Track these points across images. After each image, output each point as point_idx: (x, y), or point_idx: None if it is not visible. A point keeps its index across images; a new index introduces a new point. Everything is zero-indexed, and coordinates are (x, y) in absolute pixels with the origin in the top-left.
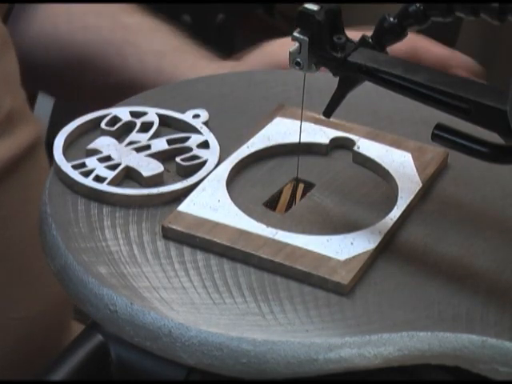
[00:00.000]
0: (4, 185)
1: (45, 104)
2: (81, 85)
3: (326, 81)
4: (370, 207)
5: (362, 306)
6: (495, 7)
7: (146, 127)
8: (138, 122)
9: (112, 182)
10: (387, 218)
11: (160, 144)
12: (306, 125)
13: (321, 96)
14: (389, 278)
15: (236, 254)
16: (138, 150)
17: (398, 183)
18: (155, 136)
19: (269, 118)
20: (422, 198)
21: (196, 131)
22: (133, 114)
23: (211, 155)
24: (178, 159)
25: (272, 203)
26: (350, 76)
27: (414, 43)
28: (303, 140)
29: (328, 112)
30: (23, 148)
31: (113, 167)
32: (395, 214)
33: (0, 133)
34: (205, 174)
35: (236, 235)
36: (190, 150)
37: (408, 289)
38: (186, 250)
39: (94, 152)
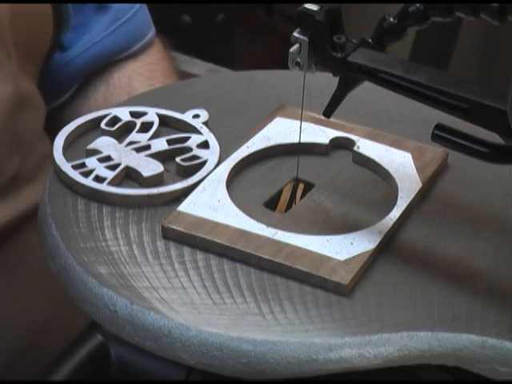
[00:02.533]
0: (2, 248)
1: None
2: None
3: (325, 81)
4: (369, 207)
5: (362, 306)
6: (495, 7)
7: (145, 127)
8: (138, 122)
9: (112, 182)
10: (387, 218)
11: (160, 144)
12: (306, 125)
13: (321, 96)
14: (389, 278)
15: (236, 254)
16: (138, 150)
17: (398, 183)
18: (155, 136)
19: (269, 118)
20: (421, 198)
21: (196, 131)
22: (133, 114)
23: (211, 155)
24: (178, 159)
25: (272, 203)
26: (349, 76)
27: None
28: (303, 140)
29: (328, 112)
30: (27, 211)
31: (113, 167)
32: (395, 214)
33: (0, 196)
34: (205, 174)
35: (236, 235)
36: (190, 150)
37: (408, 289)
38: (186, 250)
39: (94, 152)
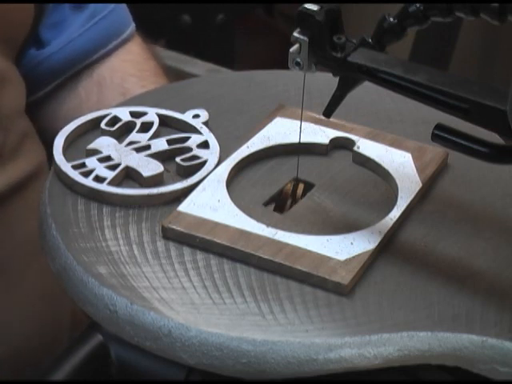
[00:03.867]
0: None
1: None
2: None
3: (325, 81)
4: (369, 207)
5: (362, 306)
6: (495, 7)
7: (145, 127)
8: (138, 122)
9: (112, 182)
10: (387, 218)
11: (160, 144)
12: (306, 125)
13: (321, 96)
14: (389, 278)
15: (236, 254)
16: (138, 150)
17: (398, 183)
18: (155, 136)
19: (269, 118)
20: (421, 198)
21: (196, 131)
22: (133, 114)
23: (211, 155)
24: (178, 159)
25: (272, 203)
26: (349, 76)
27: None
28: (303, 140)
29: (328, 112)
30: (12, 184)
31: (113, 167)
32: (395, 214)
33: None
34: (205, 174)
35: (236, 235)
36: (190, 150)
37: (408, 289)
38: (186, 250)
39: (94, 152)
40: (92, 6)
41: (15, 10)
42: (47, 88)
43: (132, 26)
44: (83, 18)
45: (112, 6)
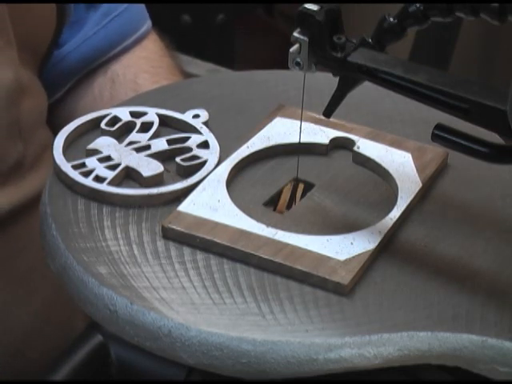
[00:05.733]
0: (8, 232)
1: None
2: None
3: (325, 81)
4: (369, 207)
5: (362, 306)
6: (495, 7)
7: (145, 127)
8: (138, 122)
9: (112, 182)
10: (387, 218)
11: (160, 144)
12: (306, 125)
13: (321, 96)
14: (389, 278)
15: (236, 254)
16: (138, 150)
17: (398, 183)
18: (155, 136)
19: (269, 118)
20: (421, 198)
21: (196, 131)
22: (133, 114)
23: (211, 155)
24: (178, 159)
25: (272, 203)
26: (349, 76)
27: None
28: (303, 140)
29: (328, 112)
30: (32, 195)
31: (113, 167)
32: (395, 214)
33: (5, 180)
34: (205, 174)
35: (236, 235)
36: (190, 150)
37: (408, 289)
38: (186, 250)
39: (94, 152)
40: (106, 4)
41: (38, 18)
42: (64, 88)
43: (148, 24)
44: (98, 16)
45: (126, 4)
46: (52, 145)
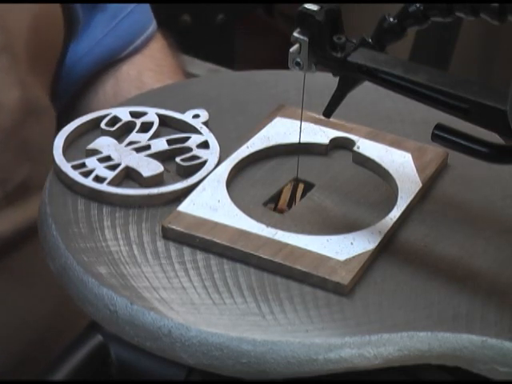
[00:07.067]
0: (11, 256)
1: None
2: None
3: (325, 81)
4: (369, 207)
5: (362, 306)
6: (495, 7)
7: (145, 127)
8: (138, 122)
9: (112, 182)
10: (387, 218)
11: (160, 144)
12: (306, 125)
13: (321, 96)
14: (389, 278)
15: (236, 254)
16: (138, 150)
17: (398, 183)
18: (155, 136)
19: (269, 118)
20: (421, 198)
21: (196, 131)
22: (133, 114)
23: (211, 155)
24: (177, 159)
25: (272, 203)
26: (349, 76)
27: None
28: (303, 140)
29: (328, 112)
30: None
31: (113, 167)
32: (395, 214)
33: (9, 202)
34: (205, 174)
35: (236, 235)
36: (190, 150)
37: (408, 289)
38: (186, 250)
39: (94, 152)
40: (113, 5)
41: (45, 32)
42: (73, 92)
43: (154, 23)
44: (106, 18)
45: (133, 4)
46: None
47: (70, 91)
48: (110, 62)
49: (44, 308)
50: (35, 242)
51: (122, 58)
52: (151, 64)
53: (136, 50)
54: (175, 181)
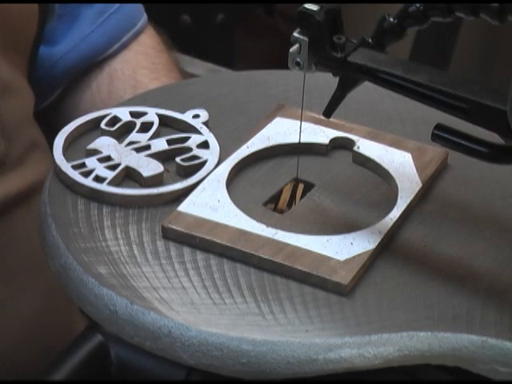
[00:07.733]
0: None
1: None
2: None
3: (325, 81)
4: (369, 207)
5: (362, 306)
6: (495, 7)
7: (145, 127)
8: (138, 122)
9: (112, 182)
10: (387, 218)
11: (160, 144)
12: (306, 125)
13: (321, 96)
14: (389, 278)
15: (236, 254)
16: (138, 150)
17: (398, 183)
18: (155, 136)
19: (269, 118)
20: (421, 198)
21: (196, 131)
22: (133, 114)
23: (211, 155)
24: (177, 159)
25: (272, 203)
26: (349, 76)
27: None
28: (303, 140)
29: (328, 112)
30: (15, 194)
31: (113, 167)
32: (395, 214)
33: None
34: (205, 174)
35: (236, 235)
36: (190, 150)
37: (408, 289)
38: (186, 250)
39: (94, 152)
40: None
41: (17, 14)
42: (61, 88)
43: (144, 17)
44: (93, 14)
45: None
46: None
47: (55, 87)
48: (98, 59)
49: (38, 304)
50: (9, 219)
51: (109, 55)
52: (145, 61)
53: (123, 47)
54: (175, 181)
